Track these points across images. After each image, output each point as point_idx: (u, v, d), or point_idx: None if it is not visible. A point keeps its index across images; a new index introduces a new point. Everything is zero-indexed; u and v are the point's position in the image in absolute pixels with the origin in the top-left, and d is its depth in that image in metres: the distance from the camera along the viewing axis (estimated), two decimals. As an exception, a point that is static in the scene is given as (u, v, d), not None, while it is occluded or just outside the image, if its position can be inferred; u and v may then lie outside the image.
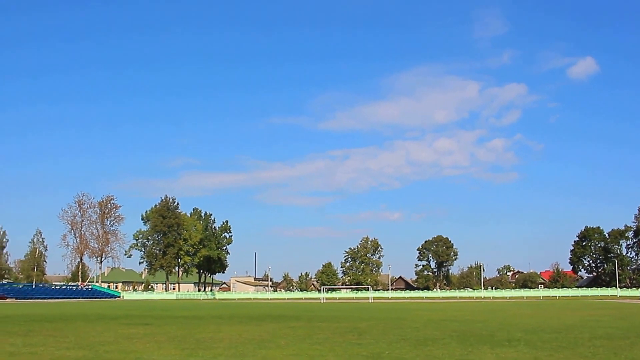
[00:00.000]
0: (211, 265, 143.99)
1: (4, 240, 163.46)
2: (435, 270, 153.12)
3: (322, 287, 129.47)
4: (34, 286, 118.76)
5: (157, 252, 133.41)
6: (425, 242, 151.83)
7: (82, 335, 21.75)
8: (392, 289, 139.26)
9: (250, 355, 15.59)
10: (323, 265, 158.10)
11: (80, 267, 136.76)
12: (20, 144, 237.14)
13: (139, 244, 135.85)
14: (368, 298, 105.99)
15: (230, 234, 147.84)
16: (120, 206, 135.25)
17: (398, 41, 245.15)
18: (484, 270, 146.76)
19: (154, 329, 25.60)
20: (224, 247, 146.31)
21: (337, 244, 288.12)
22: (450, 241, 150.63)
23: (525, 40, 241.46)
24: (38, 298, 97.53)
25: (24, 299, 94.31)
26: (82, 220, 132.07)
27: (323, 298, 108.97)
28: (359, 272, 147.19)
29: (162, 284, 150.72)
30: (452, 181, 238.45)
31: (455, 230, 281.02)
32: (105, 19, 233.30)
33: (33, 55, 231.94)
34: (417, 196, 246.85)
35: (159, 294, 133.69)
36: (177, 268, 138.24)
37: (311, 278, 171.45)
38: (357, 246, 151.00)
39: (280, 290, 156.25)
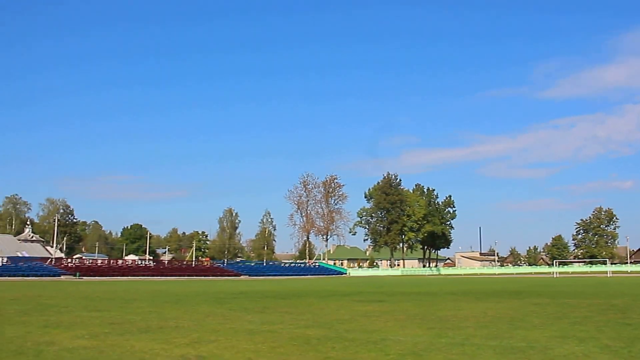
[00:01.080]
0: (435, 240, 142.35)
1: (237, 221, 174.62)
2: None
3: (553, 260, 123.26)
4: (264, 264, 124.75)
5: (381, 228, 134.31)
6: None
7: (318, 312, 20.83)
8: (631, 262, 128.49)
9: (507, 336, 13.46)
10: (552, 239, 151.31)
11: (307, 245, 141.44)
12: (246, 126, 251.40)
13: (363, 222, 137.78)
14: (606, 272, 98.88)
15: (453, 209, 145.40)
16: (343, 185, 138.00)
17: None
18: None
19: (390, 306, 24.21)
20: (448, 223, 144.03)
21: (566, 215, 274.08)
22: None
23: None
24: (269, 275, 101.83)
25: (256, 276, 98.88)
26: (308, 200, 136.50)
27: (555, 272, 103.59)
28: (593, 244, 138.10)
29: (387, 260, 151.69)
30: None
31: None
32: None
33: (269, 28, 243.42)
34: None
35: (384, 270, 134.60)
36: (401, 244, 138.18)
37: (540, 252, 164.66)
38: (589, 217, 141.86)
39: (507, 265, 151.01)
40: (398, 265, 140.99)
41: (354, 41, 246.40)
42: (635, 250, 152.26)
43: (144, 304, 24.90)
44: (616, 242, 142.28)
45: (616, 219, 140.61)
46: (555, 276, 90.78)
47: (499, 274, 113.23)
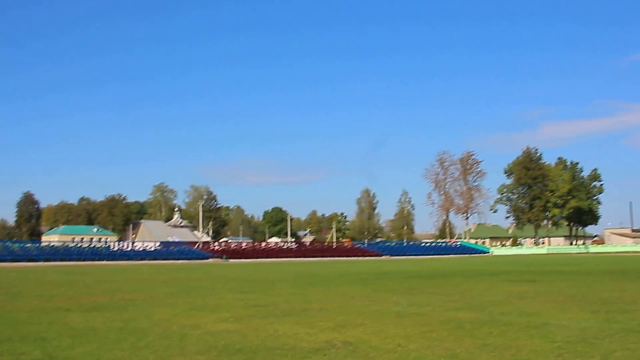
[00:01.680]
0: (582, 216, 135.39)
1: (374, 201, 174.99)
2: None
3: None
4: (405, 244, 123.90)
5: (523, 205, 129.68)
6: None
7: (467, 293, 19.79)
8: None
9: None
10: None
11: (446, 224, 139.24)
12: (379, 105, 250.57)
13: (503, 199, 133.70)
14: None
15: (600, 183, 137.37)
16: (481, 161, 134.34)
17: None
18: None
19: (543, 286, 22.73)
20: (595, 198, 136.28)
21: None
22: None
23: None
24: (410, 255, 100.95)
25: (397, 255, 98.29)
26: (445, 178, 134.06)
27: None
28: None
29: (531, 238, 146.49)
30: None
31: None
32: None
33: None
34: None
35: (528, 248, 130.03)
36: (545, 221, 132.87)
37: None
38: None
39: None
40: (543, 243, 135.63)
41: (492, 17, 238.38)
42: None
43: (287, 286, 24.85)
44: None
45: None
46: None
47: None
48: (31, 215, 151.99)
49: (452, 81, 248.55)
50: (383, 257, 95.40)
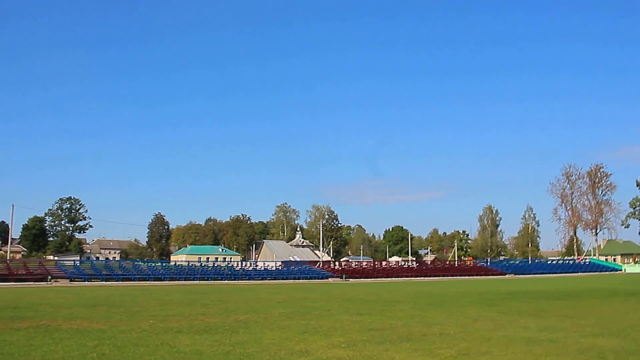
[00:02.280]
0: None
1: (497, 218, 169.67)
2: None
3: None
4: (529, 261, 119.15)
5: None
6: None
7: (603, 316, 18.04)
8: None
9: None
10: None
11: (573, 240, 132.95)
12: (501, 126, 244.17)
13: (636, 213, 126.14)
14: None
15: None
16: (610, 174, 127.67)
17: None
18: None
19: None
20: None
21: None
22: None
23: None
24: (535, 273, 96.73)
25: (521, 274, 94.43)
26: (572, 192, 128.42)
27: None
28: None
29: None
30: None
31: None
32: None
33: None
34: None
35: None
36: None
37: None
38: None
39: None
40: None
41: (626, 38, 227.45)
42: None
43: (406, 307, 23.77)
44: None
45: None
46: None
47: None
48: (161, 235, 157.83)
49: (579, 95, 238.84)
50: (507, 275, 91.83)
